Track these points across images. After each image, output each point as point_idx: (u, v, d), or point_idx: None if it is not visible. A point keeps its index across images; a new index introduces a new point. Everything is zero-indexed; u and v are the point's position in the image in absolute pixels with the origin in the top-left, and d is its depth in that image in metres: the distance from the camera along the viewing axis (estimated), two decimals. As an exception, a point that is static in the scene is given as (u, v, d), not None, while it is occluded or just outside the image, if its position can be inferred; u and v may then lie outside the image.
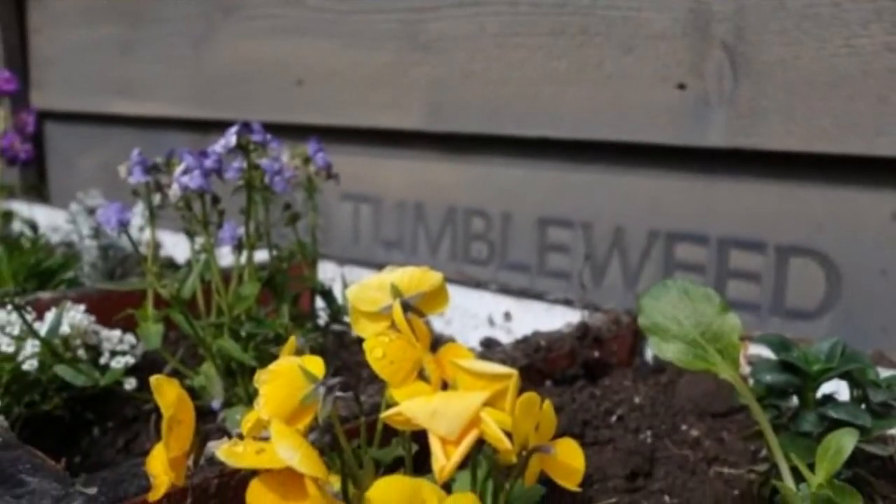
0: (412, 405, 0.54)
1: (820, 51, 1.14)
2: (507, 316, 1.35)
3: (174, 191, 0.99)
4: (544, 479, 0.61)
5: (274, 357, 0.60)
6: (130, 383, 1.06)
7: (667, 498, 0.86)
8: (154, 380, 0.57)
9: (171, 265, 1.62)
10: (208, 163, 0.98)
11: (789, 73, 1.17)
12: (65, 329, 1.06)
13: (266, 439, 0.51)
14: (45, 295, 1.22)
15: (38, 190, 2.59)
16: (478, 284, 1.41)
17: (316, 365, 0.57)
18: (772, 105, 1.18)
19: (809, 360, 0.80)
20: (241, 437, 0.56)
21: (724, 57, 1.21)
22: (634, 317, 1.18)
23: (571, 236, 1.46)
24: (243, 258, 1.08)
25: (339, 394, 0.55)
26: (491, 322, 1.37)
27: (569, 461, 0.60)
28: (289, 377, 0.56)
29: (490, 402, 0.54)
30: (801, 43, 1.15)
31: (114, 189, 1.62)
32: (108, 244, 1.51)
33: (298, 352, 0.61)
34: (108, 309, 1.14)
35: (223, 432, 0.92)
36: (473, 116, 1.51)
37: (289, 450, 0.49)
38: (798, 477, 0.71)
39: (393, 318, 0.62)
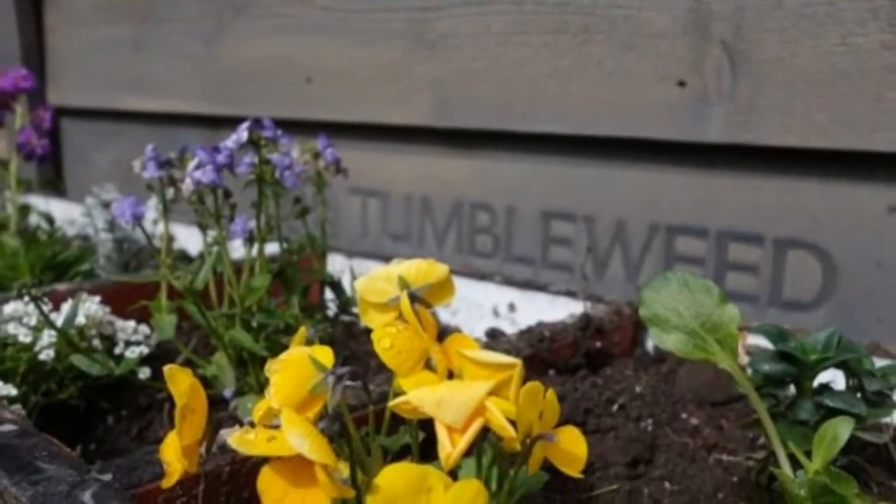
0: (419, 394, 0.54)
1: (817, 49, 1.14)
2: (512, 307, 1.35)
3: (187, 185, 0.99)
4: (547, 466, 0.61)
5: (284, 347, 0.60)
6: (144, 373, 1.06)
7: (667, 484, 0.86)
8: (167, 369, 0.57)
9: (184, 258, 1.62)
10: (220, 158, 0.98)
11: (787, 71, 1.16)
12: (80, 320, 1.06)
13: (277, 427, 0.51)
14: (61, 286, 1.22)
15: (54, 184, 2.60)
16: (483, 276, 1.41)
17: (325, 355, 0.57)
18: (770, 102, 1.18)
19: (806, 350, 0.80)
20: (252, 425, 0.56)
21: (724, 55, 1.21)
22: (636, 308, 1.18)
23: (574, 230, 1.45)
24: (254, 251, 1.08)
25: (348, 383, 0.55)
26: (496, 313, 1.37)
27: (571, 449, 0.60)
28: (299, 367, 0.56)
29: (495, 391, 0.54)
30: (799, 41, 1.15)
31: (128, 183, 1.62)
32: (123, 237, 1.52)
33: (308, 342, 0.61)
34: (123, 300, 1.15)
35: (235, 420, 0.92)
36: (478, 112, 1.51)
37: (299, 437, 0.49)
38: (795, 464, 0.71)
39: (400, 309, 0.62)
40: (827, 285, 1.20)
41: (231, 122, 1.16)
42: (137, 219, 0.97)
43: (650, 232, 1.36)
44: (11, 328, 1.04)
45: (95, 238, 1.57)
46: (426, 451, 0.66)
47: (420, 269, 0.66)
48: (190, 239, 1.75)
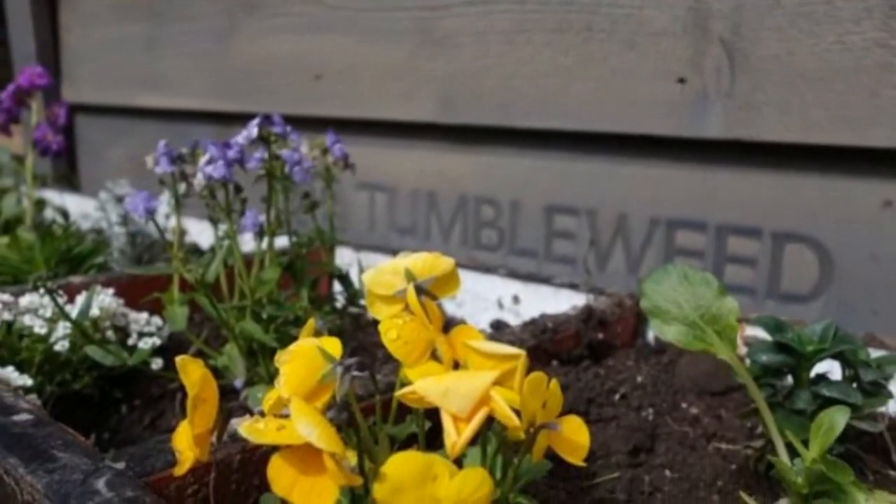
0: (425, 384, 0.54)
1: (814, 47, 1.13)
2: (516, 299, 1.34)
3: (199, 180, 0.99)
4: (551, 455, 0.61)
5: (294, 338, 0.60)
6: (157, 363, 1.07)
7: (667, 472, 0.86)
8: (179, 360, 0.57)
9: (195, 251, 1.62)
10: (231, 153, 0.98)
11: (784, 68, 1.16)
12: (94, 311, 1.07)
13: (286, 417, 0.51)
14: (75, 279, 1.23)
15: (69, 179, 2.60)
16: (488, 269, 1.41)
17: (334, 346, 0.57)
18: (768, 99, 1.18)
19: (803, 341, 0.80)
20: (262, 414, 0.56)
21: (723, 53, 1.21)
22: (637, 300, 1.18)
23: (577, 223, 1.45)
24: (264, 244, 1.08)
25: (355, 373, 0.55)
26: (500, 305, 1.36)
27: (574, 437, 0.60)
28: (308, 357, 0.56)
29: (499, 381, 0.54)
30: (796, 39, 1.15)
31: (141, 178, 1.62)
32: (136, 231, 1.52)
33: (317, 333, 0.61)
34: (136, 292, 1.15)
35: (245, 410, 0.92)
36: (484, 109, 1.51)
37: (308, 426, 0.49)
38: (792, 452, 0.71)
39: (407, 302, 0.62)
40: (823, 278, 1.20)
41: (242, 119, 1.16)
42: (150, 213, 0.97)
43: (651, 226, 1.36)
44: (27, 320, 1.04)
45: (109, 232, 1.57)
46: (432, 439, 0.66)
47: (426, 263, 0.65)
48: (201, 233, 1.75)
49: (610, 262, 1.42)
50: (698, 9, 1.22)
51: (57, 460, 0.67)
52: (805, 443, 0.70)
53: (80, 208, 1.93)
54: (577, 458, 0.59)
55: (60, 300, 1.01)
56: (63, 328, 1.03)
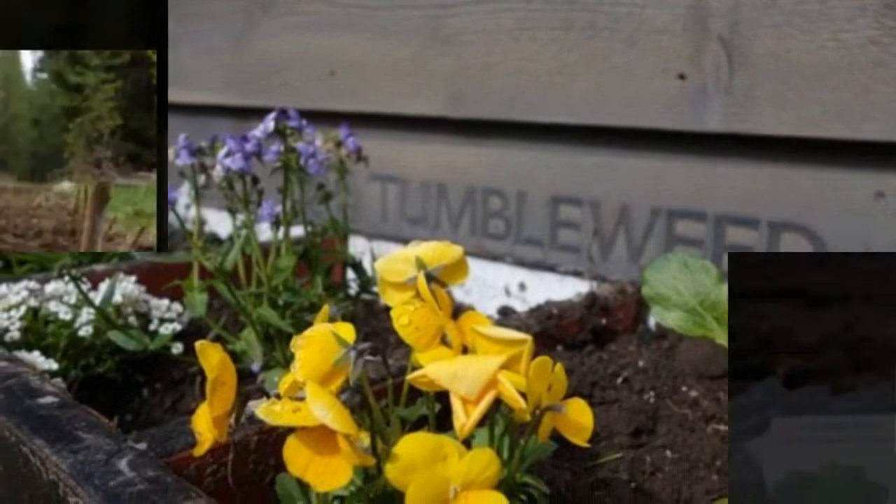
0: (435, 368, 0.53)
1: (809, 44, 1.13)
2: (522, 286, 1.34)
3: (218, 172, 0.99)
4: (556, 436, 0.60)
5: (309, 324, 0.60)
6: (177, 348, 1.07)
7: (668, 453, 0.85)
8: (199, 345, 0.57)
9: (214, 240, 1.62)
10: (249, 146, 0.98)
11: (781, 65, 1.16)
12: (117, 298, 1.07)
13: (302, 399, 0.51)
14: (99, 267, 1.23)
15: (93, 172, 2.60)
16: (495, 257, 1.41)
17: (347, 331, 0.57)
18: (765, 94, 1.17)
19: (800, 327, 0.80)
20: (278, 397, 0.56)
21: (721, 50, 1.20)
22: (639, 287, 1.18)
23: (581, 214, 1.45)
24: (281, 234, 1.08)
25: (368, 357, 0.54)
26: (507, 292, 1.36)
27: (578, 419, 0.59)
28: (323, 342, 0.56)
29: (506, 366, 0.54)
30: (792, 37, 1.14)
31: (162, 171, 1.62)
32: (158, 221, 1.52)
33: (331, 319, 0.61)
34: (157, 280, 1.15)
35: (262, 393, 0.92)
36: (491, 104, 1.51)
37: (322, 409, 0.49)
38: (789, 435, 0.71)
39: (418, 289, 0.62)
40: (818, 266, 1.19)
41: (259, 113, 1.15)
42: (171, 203, 0.97)
43: (652, 216, 1.35)
44: (53, 306, 1.04)
45: (132, 222, 1.57)
46: (442, 421, 0.66)
47: (436, 251, 0.65)
48: (220, 223, 1.75)
49: (613, 251, 1.41)
50: (698, 7, 1.22)
51: (81, 441, 0.67)
52: (801, 425, 0.70)
53: (103, 199, 1.93)
54: (581, 440, 0.59)
55: (84, 287, 1.01)
56: (87, 314, 1.03)
